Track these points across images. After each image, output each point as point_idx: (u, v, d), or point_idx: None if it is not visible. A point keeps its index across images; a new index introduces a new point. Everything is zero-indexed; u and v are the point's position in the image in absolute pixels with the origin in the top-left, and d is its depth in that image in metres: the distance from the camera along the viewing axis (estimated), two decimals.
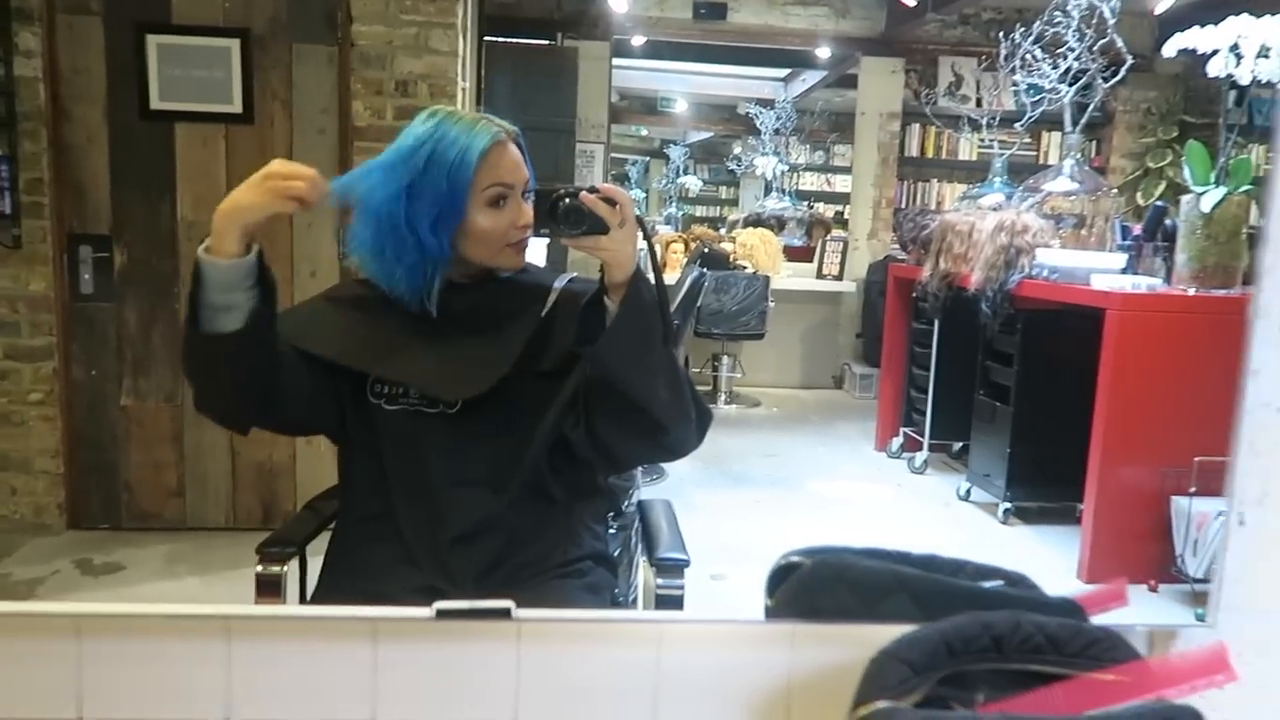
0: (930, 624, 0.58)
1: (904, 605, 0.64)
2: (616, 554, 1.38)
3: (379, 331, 1.20)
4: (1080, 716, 0.51)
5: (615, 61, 5.92)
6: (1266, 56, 2.71)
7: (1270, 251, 0.61)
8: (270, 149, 2.85)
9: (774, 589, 0.70)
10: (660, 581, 1.16)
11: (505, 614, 0.65)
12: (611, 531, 1.40)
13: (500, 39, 4.80)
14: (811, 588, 0.67)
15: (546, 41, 5.42)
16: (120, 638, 0.58)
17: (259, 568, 1.15)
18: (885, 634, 0.58)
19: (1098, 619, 0.64)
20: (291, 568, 1.19)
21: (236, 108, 2.84)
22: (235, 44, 2.81)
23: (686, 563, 1.18)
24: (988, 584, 0.69)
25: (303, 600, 1.25)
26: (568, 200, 1.05)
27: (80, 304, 2.88)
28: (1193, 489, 2.64)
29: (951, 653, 0.56)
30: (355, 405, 1.20)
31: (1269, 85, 2.74)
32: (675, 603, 1.15)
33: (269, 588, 1.14)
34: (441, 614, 0.65)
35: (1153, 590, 2.73)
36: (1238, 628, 0.63)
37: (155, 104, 2.82)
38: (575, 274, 1.28)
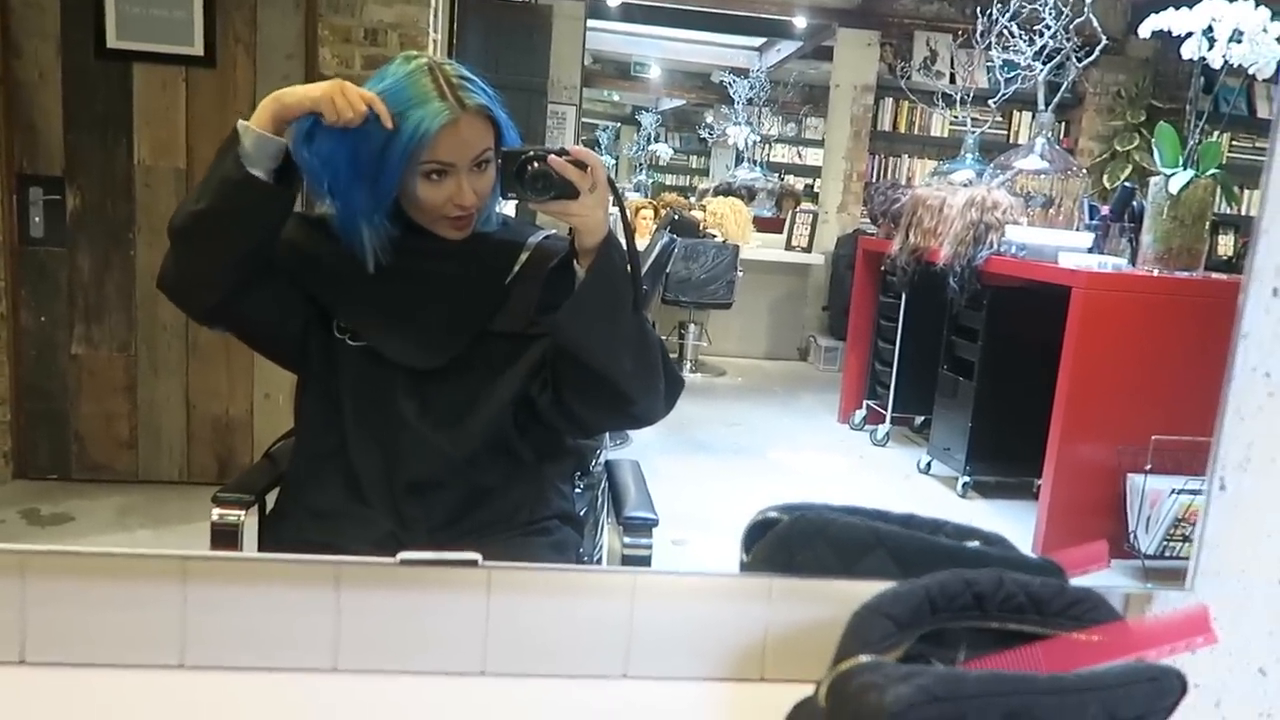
0: (913, 580, 0.57)
1: (883, 562, 0.63)
2: (582, 513, 1.37)
3: (345, 267, 1.16)
4: (1069, 673, 0.50)
5: (590, 23, 5.82)
6: (1239, 41, 2.73)
7: (1266, 214, 0.60)
8: (233, 94, 2.77)
9: (750, 544, 0.69)
10: (628, 540, 1.15)
11: (472, 564, 0.62)
12: (578, 491, 1.38)
13: None
14: (789, 543, 0.66)
15: None
16: (67, 578, 0.55)
17: (215, 515, 1.11)
18: (864, 590, 0.57)
19: (1076, 580, 0.64)
20: (249, 517, 1.15)
21: (198, 50, 2.74)
22: None
23: (655, 522, 1.17)
24: (967, 544, 0.68)
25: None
26: (536, 164, 1.00)
27: (30, 248, 2.78)
28: (1148, 467, 2.68)
29: (934, 609, 0.55)
30: (321, 332, 1.16)
31: (1239, 72, 2.76)
32: (643, 562, 1.13)
33: (225, 537, 1.10)
34: (406, 563, 0.62)
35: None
36: (1215, 591, 0.63)
37: (112, 42, 2.71)
38: (553, 230, 1.24)
